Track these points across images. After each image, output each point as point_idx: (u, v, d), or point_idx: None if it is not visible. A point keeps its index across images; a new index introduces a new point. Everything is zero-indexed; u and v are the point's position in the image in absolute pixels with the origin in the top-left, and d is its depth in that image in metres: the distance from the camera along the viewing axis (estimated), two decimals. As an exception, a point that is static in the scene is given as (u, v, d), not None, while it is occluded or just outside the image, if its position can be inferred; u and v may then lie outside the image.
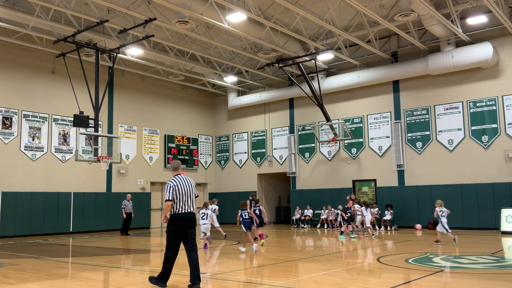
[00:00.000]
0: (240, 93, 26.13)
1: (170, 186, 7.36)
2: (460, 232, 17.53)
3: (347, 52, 20.24)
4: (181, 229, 7.37)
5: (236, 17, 16.01)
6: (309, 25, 18.17)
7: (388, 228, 19.44)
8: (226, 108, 27.02)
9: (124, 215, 19.44)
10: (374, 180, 21.25)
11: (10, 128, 18.93)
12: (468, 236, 15.80)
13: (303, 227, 21.85)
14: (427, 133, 19.93)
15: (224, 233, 15.67)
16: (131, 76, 23.45)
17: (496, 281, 7.80)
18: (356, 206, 16.88)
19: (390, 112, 21.03)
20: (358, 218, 16.97)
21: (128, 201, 19.67)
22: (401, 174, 20.43)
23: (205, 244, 13.39)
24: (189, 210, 7.41)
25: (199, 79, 24.78)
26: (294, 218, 22.86)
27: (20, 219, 18.68)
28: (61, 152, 20.50)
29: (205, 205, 13.84)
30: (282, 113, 24.84)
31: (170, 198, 7.31)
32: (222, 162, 27.22)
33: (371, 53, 20.47)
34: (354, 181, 21.88)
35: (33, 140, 19.62)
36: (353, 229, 16.60)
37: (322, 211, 21.64)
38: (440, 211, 13.87)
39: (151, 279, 7.59)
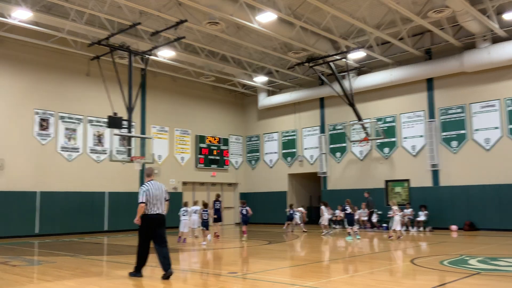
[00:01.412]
0: (270, 93, 26.11)
1: (143, 190, 8.39)
2: (498, 233, 17.00)
3: (379, 50, 19.93)
4: (151, 228, 8.42)
5: (266, 17, 16.00)
6: (340, 24, 17.99)
7: (422, 229, 19.03)
8: (256, 108, 27.06)
9: None
10: (408, 180, 20.84)
11: (47, 130, 19.52)
12: (506, 238, 15.29)
13: (334, 228, 21.64)
14: (463, 132, 19.41)
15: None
16: (163, 77, 23.79)
17: (536, 285, 7.51)
18: (300, 208, 20.09)
19: (424, 110, 20.58)
20: (296, 216, 19.57)
21: None
22: (435, 174, 19.96)
23: (180, 237, 15.43)
24: (157, 212, 8.43)
25: (230, 80, 24.92)
26: (325, 218, 22.64)
27: (57, 218, 19.22)
28: (96, 153, 21.00)
29: (185, 204, 16.00)
30: (313, 113, 24.68)
31: (144, 201, 8.32)
32: (253, 162, 27.28)
33: (404, 50, 20.09)
34: (386, 181, 21.52)
35: (69, 141, 20.17)
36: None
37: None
38: (396, 209, 15.66)
39: (130, 274, 8.57)
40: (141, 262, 8.58)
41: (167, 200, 8.74)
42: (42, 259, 11.63)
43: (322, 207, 19.11)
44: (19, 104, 18.81)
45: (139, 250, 8.57)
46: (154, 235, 8.48)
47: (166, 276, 8.20)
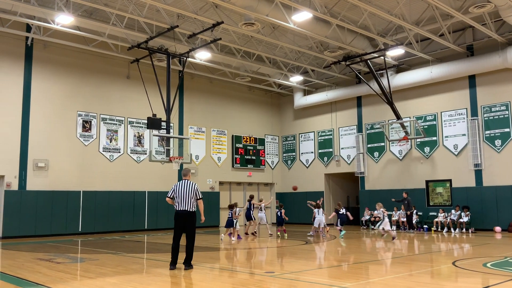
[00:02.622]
0: (306, 92, 26.00)
1: (172, 188, 9.47)
2: (546, 236, 16.31)
3: (418, 47, 19.49)
4: (178, 222, 9.30)
5: (302, 16, 15.94)
6: (377, 21, 17.71)
7: (464, 230, 18.48)
8: (292, 108, 27.01)
9: None
10: (450, 181, 20.27)
11: (89, 131, 20.15)
12: (556, 241, 14.64)
13: (373, 229, 21.32)
14: (507, 130, 18.71)
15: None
16: (200, 79, 24.10)
17: None
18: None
19: (466, 108, 19.97)
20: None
21: None
22: (478, 174, 19.33)
23: (230, 233, 16.39)
24: (182, 208, 9.22)
25: (265, 80, 24.97)
26: (363, 219, 22.37)
27: (99, 217, 19.82)
28: (136, 153, 21.51)
29: (230, 207, 16.77)
30: (350, 112, 24.39)
31: (169, 196, 9.43)
32: (289, 162, 27.22)
33: (444, 47, 19.57)
34: (427, 181, 21.00)
35: (110, 142, 20.75)
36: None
37: (394, 212, 20.99)
38: (383, 210, 16.21)
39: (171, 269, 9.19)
40: (174, 257, 9.27)
41: (199, 199, 9.40)
42: (85, 256, 12.01)
43: (315, 210, 17.68)
44: (63, 106, 19.50)
45: (172, 246, 9.33)
46: (184, 230, 9.31)
47: (185, 269, 9.19)
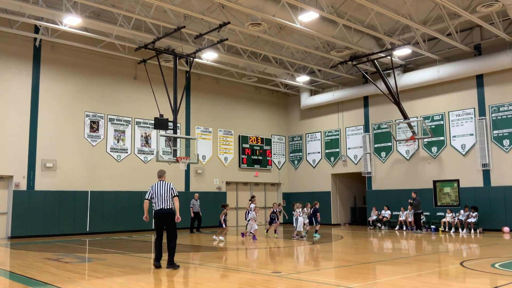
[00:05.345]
0: (313, 92, 25.97)
1: (149, 190, 9.70)
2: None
3: (425, 47, 19.41)
4: (157, 221, 9.58)
5: (308, 17, 15.93)
6: (384, 21, 17.66)
7: (473, 231, 18.37)
8: (298, 108, 26.99)
9: (192, 214, 20.08)
10: (457, 181, 20.16)
11: (97, 132, 20.25)
12: None
13: (380, 229, 21.25)
14: (516, 130, 18.59)
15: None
16: (207, 79, 24.14)
17: None
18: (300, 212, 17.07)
19: (474, 108, 19.86)
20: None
21: (196, 200, 20.34)
22: (486, 174, 19.22)
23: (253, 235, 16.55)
24: (160, 207, 9.46)
25: (272, 80, 24.97)
26: (370, 219, 22.30)
27: (107, 217, 19.92)
28: (143, 153, 21.59)
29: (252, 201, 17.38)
30: (357, 112, 24.33)
31: (147, 198, 9.64)
32: (296, 162, 27.20)
33: (452, 46, 19.48)
34: (435, 182, 20.90)
35: (118, 142, 20.85)
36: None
37: (401, 212, 20.91)
38: (299, 212, 16.30)
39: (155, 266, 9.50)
40: (158, 253, 9.54)
41: (175, 196, 9.59)
42: (93, 256, 12.08)
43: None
44: (71, 107, 19.63)
45: (155, 243, 9.73)
46: (164, 228, 9.58)
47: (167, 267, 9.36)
